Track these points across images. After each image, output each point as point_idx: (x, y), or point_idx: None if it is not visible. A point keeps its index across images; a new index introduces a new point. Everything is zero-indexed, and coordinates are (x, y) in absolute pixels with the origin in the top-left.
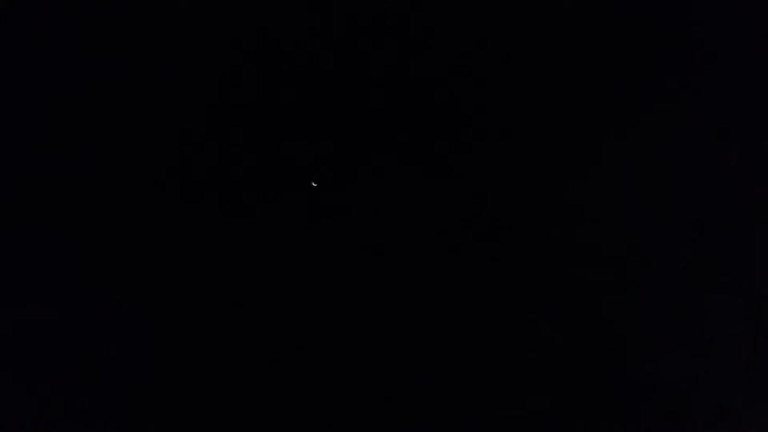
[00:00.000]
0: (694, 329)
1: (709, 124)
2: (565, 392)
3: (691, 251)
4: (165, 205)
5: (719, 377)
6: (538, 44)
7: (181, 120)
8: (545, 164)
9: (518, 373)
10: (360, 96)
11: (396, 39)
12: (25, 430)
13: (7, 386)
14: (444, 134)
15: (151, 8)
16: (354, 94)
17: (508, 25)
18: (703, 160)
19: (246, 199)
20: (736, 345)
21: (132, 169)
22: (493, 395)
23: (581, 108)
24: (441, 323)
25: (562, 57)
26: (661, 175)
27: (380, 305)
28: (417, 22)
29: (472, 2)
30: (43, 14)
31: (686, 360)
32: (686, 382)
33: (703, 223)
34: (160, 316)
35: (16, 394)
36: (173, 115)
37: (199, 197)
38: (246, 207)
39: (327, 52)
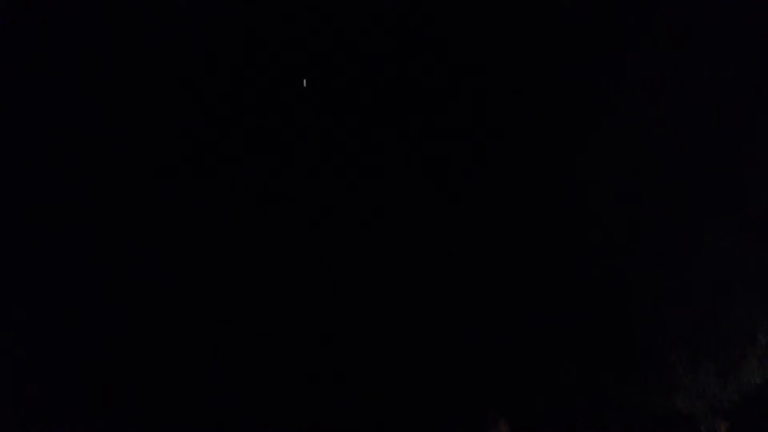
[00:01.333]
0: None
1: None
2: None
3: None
4: (163, 206)
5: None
6: (533, 46)
7: (179, 120)
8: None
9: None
10: (362, 97)
11: (395, 40)
12: (25, 429)
13: (7, 386)
14: (441, 135)
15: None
16: (355, 95)
17: (503, 26)
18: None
19: (245, 200)
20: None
21: (131, 169)
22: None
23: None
24: (443, 316)
25: (556, 59)
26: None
27: (380, 305)
28: (417, 22)
29: (470, 4)
30: (43, 14)
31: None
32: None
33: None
34: (159, 318)
35: (14, 394)
36: (173, 115)
37: (199, 197)
38: (245, 208)
39: (326, 53)
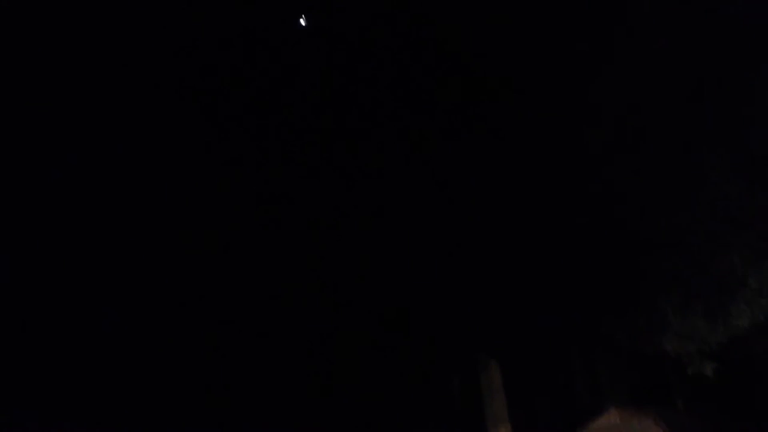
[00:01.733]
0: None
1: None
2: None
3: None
4: (163, 206)
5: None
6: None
7: (179, 120)
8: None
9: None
10: (362, 96)
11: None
12: (25, 429)
13: (7, 387)
14: (440, 135)
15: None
16: (355, 95)
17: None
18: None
19: (245, 200)
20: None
21: (131, 168)
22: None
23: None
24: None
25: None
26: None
27: (380, 302)
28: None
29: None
30: (43, 14)
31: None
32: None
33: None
34: (159, 318)
35: (15, 394)
36: (172, 115)
37: (199, 197)
38: (245, 208)
39: (325, 54)
